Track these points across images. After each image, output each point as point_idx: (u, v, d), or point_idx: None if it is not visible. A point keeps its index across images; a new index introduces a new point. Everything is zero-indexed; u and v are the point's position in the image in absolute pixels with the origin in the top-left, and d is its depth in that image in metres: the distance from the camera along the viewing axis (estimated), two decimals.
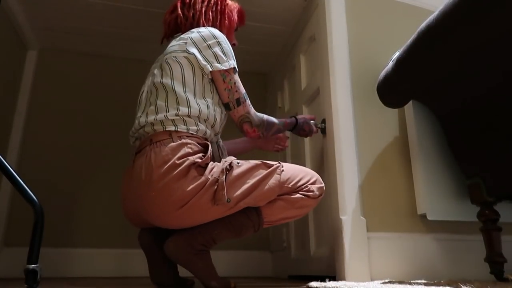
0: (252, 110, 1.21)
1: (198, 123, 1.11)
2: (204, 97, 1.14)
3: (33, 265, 1.00)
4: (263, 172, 1.10)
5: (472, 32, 1.05)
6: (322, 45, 1.66)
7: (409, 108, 1.51)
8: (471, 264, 1.45)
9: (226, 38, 1.21)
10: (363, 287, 0.99)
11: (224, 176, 1.05)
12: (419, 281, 1.27)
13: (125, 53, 2.42)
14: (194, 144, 1.07)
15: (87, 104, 2.33)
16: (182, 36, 1.22)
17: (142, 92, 1.24)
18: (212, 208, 1.04)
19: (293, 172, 1.15)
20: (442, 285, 1.03)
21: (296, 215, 1.17)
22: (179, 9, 1.29)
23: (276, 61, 2.50)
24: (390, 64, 1.33)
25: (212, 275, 1.09)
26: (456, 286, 1.01)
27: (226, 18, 1.33)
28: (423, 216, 1.46)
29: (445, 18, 1.07)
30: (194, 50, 1.15)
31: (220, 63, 1.15)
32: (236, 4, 1.41)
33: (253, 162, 1.12)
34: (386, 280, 1.28)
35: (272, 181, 1.10)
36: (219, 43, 1.17)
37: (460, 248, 1.47)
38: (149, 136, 1.09)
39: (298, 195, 1.13)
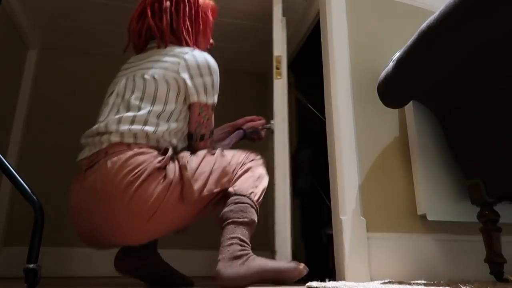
0: (210, 146, 1.24)
1: (160, 140, 1.07)
2: (176, 121, 1.12)
3: (32, 265, 1.00)
4: (212, 158, 1.14)
5: (473, 33, 1.05)
6: (323, 45, 1.66)
7: (409, 108, 1.51)
8: (471, 265, 1.45)
9: (218, 70, 1.19)
10: (362, 287, 0.98)
11: (187, 172, 1.05)
12: (419, 281, 1.27)
13: (126, 53, 2.42)
14: (153, 153, 1.04)
15: (87, 103, 2.33)
16: (175, 51, 1.15)
17: (111, 93, 1.15)
18: (182, 206, 1.03)
19: (231, 152, 1.22)
20: (442, 286, 1.03)
21: (262, 178, 1.22)
22: (150, 19, 1.20)
23: None
24: (391, 64, 1.33)
25: (278, 268, 1.07)
26: (455, 286, 1.00)
27: (201, 22, 1.27)
28: (423, 217, 1.46)
29: (446, 19, 1.07)
30: (185, 76, 1.11)
31: (206, 96, 1.15)
32: (208, 1, 1.32)
33: (201, 153, 1.14)
34: (386, 280, 1.28)
35: (222, 161, 1.15)
36: (211, 74, 1.16)
37: (460, 249, 1.47)
38: (103, 149, 1.02)
39: (247, 165, 1.20)
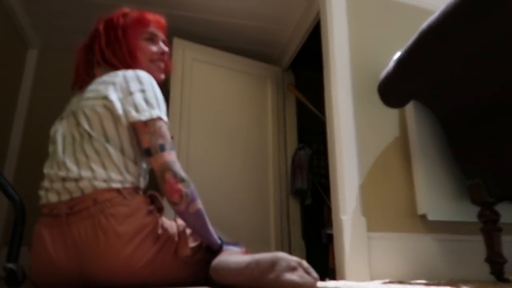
0: (178, 165, 1.04)
1: (137, 176, 1.07)
2: (129, 149, 1.06)
3: (11, 264, 0.97)
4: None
5: (473, 33, 1.05)
6: (323, 45, 1.66)
7: (410, 108, 1.51)
8: (472, 265, 1.45)
9: (154, 84, 1.08)
10: (363, 287, 0.98)
11: (185, 232, 1.08)
12: (419, 281, 1.27)
13: None
14: (145, 197, 1.05)
15: None
16: (104, 78, 1.08)
17: (56, 132, 1.09)
18: (172, 261, 1.05)
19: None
20: (442, 285, 1.03)
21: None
22: (80, 62, 1.18)
23: (277, 61, 2.50)
24: (391, 64, 1.33)
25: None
26: (456, 286, 1.00)
27: (123, 42, 1.17)
28: (424, 216, 1.45)
29: (447, 18, 1.07)
30: (114, 97, 1.03)
31: (138, 113, 1.02)
32: (134, 14, 1.22)
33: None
34: (386, 280, 1.28)
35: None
36: (143, 90, 1.04)
37: (460, 249, 1.47)
38: (89, 194, 0.98)
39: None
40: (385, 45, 1.68)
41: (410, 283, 1.13)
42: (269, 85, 2.58)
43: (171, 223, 1.09)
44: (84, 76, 1.17)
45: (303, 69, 2.84)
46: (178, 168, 1.03)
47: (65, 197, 1.00)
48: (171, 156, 1.03)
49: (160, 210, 1.10)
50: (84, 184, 0.99)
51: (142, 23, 1.21)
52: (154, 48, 1.22)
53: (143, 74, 1.08)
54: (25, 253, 1.85)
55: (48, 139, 2.18)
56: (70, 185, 1.00)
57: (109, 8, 1.99)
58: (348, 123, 1.49)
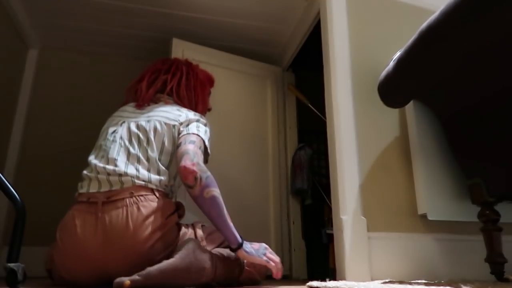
0: (202, 158, 1.17)
1: (167, 185, 1.22)
2: (172, 166, 1.24)
3: (12, 264, 0.98)
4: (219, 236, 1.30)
5: (473, 33, 1.05)
6: (323, 45, 1.66)
7: (410, 108, 1.51)
8: (472, 264, 1.45)
9: (210, 130, 1.33)
10: (363, 287, 0.98)
11: (200, 231, 1.21)
12: (419, 281, 1.27)
13: (127, 52, 2.42)
14: (172, 202, 1.18)
15: (88, 103, 2.33)
16: (179, 108, 1.31)
17: (114, 132, 1.25)
18: None
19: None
20: (442, 285, 1.03)
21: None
22: (145, 83, 1.39)
23: (277, 61, 2.50)
24: (391, 64, 1.33)
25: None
26: (456, 286, 1.00)
27: (199, 92, 1.45)
28: (424, 216, 1.46)
29: (446, 19, 1.07)
30: (183, 120, 1.26)
31: (197, 130, 1.24)
32: (206, 73, 1.53)
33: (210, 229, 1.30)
34: (386, 280, 1.28)
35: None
36: (205, 124, 1.30)
37: (460, 248, 1.47)
38: (127, 189, 1.12)
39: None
40: (385, 45, 1.68)
41: (410, 283, 1.13)
42: (269, 85, 2.58)
43: (189, 231, 1.21)
44: (148, 100, 1.36)
45: (303, 69, 2.84)
46: (199, 158, 1.15)
47: (105, 188, 1.13)
48: (196, 150, 1.16)
49: (180, 216, 1.21)
50: (126, 179, 1.12)
51: (212, 82, 1.56)
52: (210, 104, 1.58)
53: (205, 120, 1.33)
54: (25, 253, 1.85)
55: (48, 139, 2.19)
56: (114, 178, 1.13)
57: (109, 8, 1.99)
58: (348, 123, 1.49)
